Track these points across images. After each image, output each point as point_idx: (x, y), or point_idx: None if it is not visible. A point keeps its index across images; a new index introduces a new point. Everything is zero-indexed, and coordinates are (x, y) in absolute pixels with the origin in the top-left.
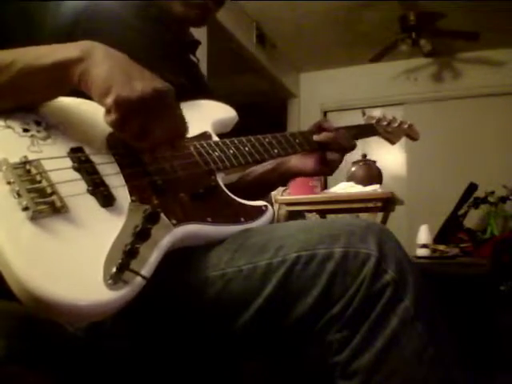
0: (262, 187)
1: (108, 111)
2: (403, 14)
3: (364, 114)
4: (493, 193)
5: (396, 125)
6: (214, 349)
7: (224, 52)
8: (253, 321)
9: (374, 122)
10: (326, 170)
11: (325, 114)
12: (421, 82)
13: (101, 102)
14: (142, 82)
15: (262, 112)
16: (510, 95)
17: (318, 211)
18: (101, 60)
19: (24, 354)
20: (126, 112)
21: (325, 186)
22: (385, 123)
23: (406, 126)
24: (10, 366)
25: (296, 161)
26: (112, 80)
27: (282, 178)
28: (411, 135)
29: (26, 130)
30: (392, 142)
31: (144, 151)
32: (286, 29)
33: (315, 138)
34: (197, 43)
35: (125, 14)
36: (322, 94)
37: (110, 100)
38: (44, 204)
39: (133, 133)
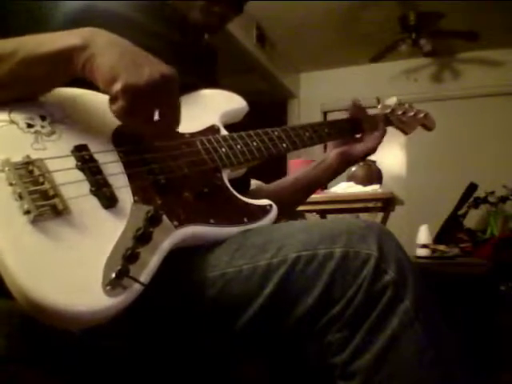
0: (313, 186)
1: (114, 98)
2: (403, 14)
3: (379, 102)
4: (493, 193)
5: (412, 114)
6: (214, 349)
7: (224, 52)
8: (253, 321)
9: (388, 111)
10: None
11: (325, 113)
12: (421, 82)
13: (107, 89)
14: (149, 67)
15: (262, 112)
16: (510, 95)
17: (318, 211)
18: (105, 46)
19: (24, 354)
20: (134, 98)
21: (325, 186)
22: (399, 112)
23: (421, 116)
24: (9, 365)
25: (358, 146)
26: (118, 67)
27: (344, 165)
28: (427, 125)
29: (30, 126)
30: (406, 133)
31: (150, 138)
32: (286, 29)
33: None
34: (215, 52)
35: (134, 15)
36: (322, 94)
37: (117, 87)
38: (46, 207)
39: (140, 119)
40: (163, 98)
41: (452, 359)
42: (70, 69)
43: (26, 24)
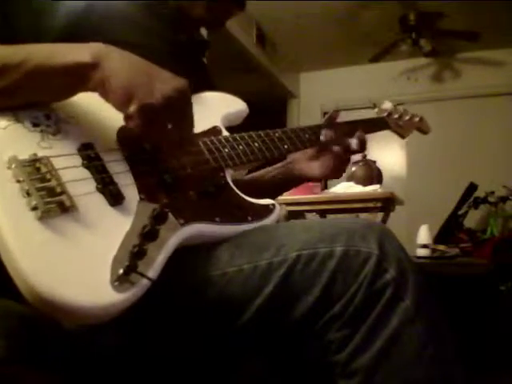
0: (273, 188)
1: (130, 117)
2: (403, 14)
3: (375, 106)
4: (493, 193)
5: (407, 118)
6: (215, 348)
7: (224, 52)
8: (253, 320)
9: (385, 115)
10: (333, 174)
11: (325, 114)
12: (421, 82)
13: (123, 111)
14: (163, 85)
15: (262, 112)
16: (510, 95)
17: (318, 211)
18: (117, 66)
19: (24, 354)
20: (149, 117)
21: (325, 186)
22: (396, 116)
23: (417, 120)
24: (9, 365)
25: (302, 165)
26: (132, 88)
27: (289, 182)
28: (422, 129)
29: (35, 125)
30: (402, 136)
31: (165, 148)
32: (286, 29)
33: (321, 138)
34: (207, 44)
35: (135, 14)
36: (321, 94)
37: (133, 109)
38: (53, 203)
39: (156, 133)
40: (178, 112)
41: (451, 358)
42: (81, 86)
43: (29, 23)
